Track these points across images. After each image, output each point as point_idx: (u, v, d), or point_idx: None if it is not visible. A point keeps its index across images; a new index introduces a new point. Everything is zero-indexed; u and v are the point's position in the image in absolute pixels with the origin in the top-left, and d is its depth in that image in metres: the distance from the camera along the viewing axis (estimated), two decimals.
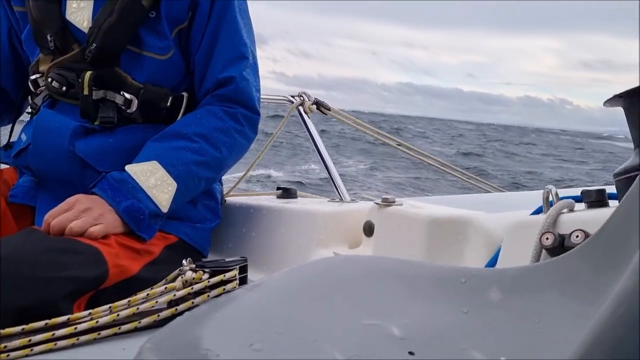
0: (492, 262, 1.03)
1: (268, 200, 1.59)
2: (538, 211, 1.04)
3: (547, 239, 0.87)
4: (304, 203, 1.55)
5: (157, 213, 1.20)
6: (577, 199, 1.02)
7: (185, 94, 1.36)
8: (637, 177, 0.73)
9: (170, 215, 1.26)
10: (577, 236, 0.84)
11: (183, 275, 1.07)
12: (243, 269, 1.15)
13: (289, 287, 0.83)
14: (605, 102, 0.94)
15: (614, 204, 1.00)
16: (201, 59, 1.34)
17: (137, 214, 1.16)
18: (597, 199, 0.99)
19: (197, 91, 1.38)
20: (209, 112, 1.32)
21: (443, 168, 1.99)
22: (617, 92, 0.92)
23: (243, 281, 1.15)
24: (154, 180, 1.19)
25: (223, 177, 1.47)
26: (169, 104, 1.33)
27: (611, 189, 1.00)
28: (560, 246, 0.86)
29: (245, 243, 1.49)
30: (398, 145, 1.80)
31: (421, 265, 0.95)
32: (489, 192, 1.82)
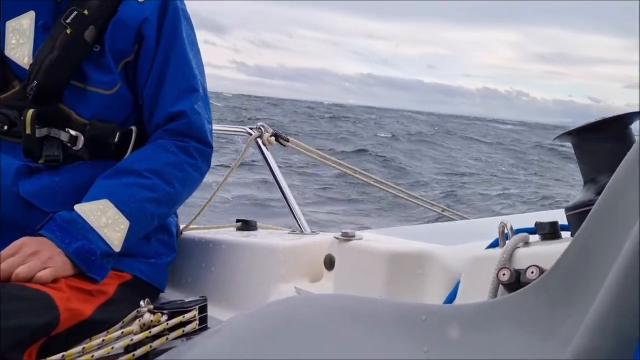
0: (452, 296, 1.04)
1: (227, 233, 1.57)
2: (495, 244, 1.06)
3: (503, 274, 0.89)
4: (264, 236, 1.54)
5: (109, 253, 1.17)
6: (531, 231, 1.05)
7: (133, 129, 1.33)
8: (588, 215, 0.75)
9: (123, 252, 1.22)
10: (532, 272, 0.86)
11: (141, 318, 1.05)
12: (202, 309, 1.13)
13: (249, 333, 0.82)
14: (555, 138, 0.97)
15: (566, 235, 1.03)
16: (150, 93, 1.32)
17: (88, 255, 1.12)
18: (550, 232, 1.02)
19: (147, 125, 1.35)
20: (160, 147, 1.30)
21: (407, 198, 2.01)
22: (566, 130, 0.95)
23: (203, 321, 1.14)
24: (105, 219, 1.16)
25: (180, 209, 1.44)
26: (116, 139, 1.30)
27: (563, 220, 1.03)
28: (516, 281, 0.88)
29: (205, 278, 1.47)
30: (361, 175, 1.81)
31: (381, 302, 0.95)
32: (453, 219, 1.84)
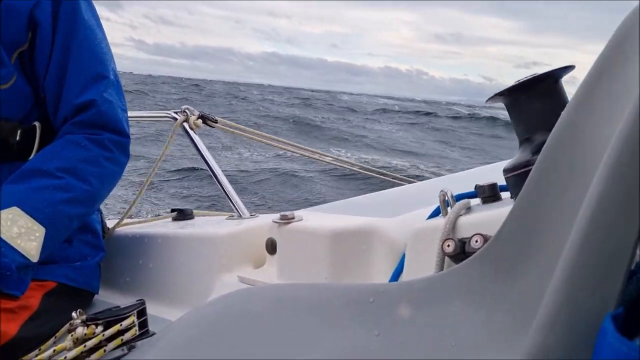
0: (399, 271, 1.01)
1: (163, 225, 1.50)
2: (436, 212, 1.04)
3: (448, 246, 0.87)
4: (202, 224, 1.48)
5: (27, 264, 1.07)
6: (472, 195, 1.03)
7: (37, 125, 1.22)
8: (527, 178, 0.73)
9: (44, 260, 1.12)
10: (477, 241, 0.84)
11: (74, 332, 0.97)
12: (141, 313, 1.06)
13: (193, 336, 0.77)
14: (488, 100, 0.95)
15: (506, 195, 1.02)
16: (52, 84, 1.20)
17: (2, 270, 1.02)
18: (490, 194, 1.00)
19: (53, 120, 1.24)
20: (70, 142, 1.18)
21: (341, 165, 1.98)
22: (498, 91, 0.92)
23: (143, 325, 1.07)
24: (17, 229, 1.05)
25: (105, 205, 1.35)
26: (18, 137, 1.18)
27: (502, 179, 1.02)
28: (462, 252, 0.86)
29: (143, 276, 1.39)
30: (297, 149, 1.76)
31: (327, 288, 0.92)
32: (397, 183, 1.82)
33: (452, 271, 0.83)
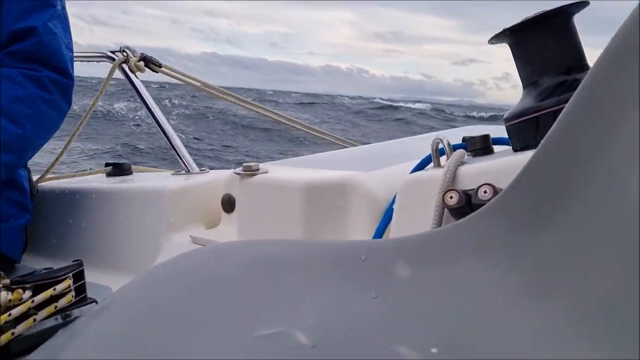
0: (382, 229, 0.90)
1: (96, 180, 1.31)
2: (424, 164, 0.94)
3: (451, 197, 0.76)
4: (143, 180, 1.30)
5: None
6: (461, 147, 0.94)
7: None
8: (554, 124, 0.64)
9: None
10: (486, 192, 0.74)
11: None
12: (78, 276, 0.90)
13: (148, 304, 0.62)
14: (491, 39, 0.85)
15: (498, 149, 0.93)
16: None
17: None
18: (482, 147, 0.91)
19: None
20: (3, 77, 1.00)
21: (291, 125, 1.84)
22: (504, 28, 0.83)
23: (80, 291, 0.90)
24: None
25: (32, 161, 1.16)
26: None
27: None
28: (467, 204, 0.76)
29: (75, 237, 1.21)
30: (249, 104, 1.61)
31: (311, 244, 0.80)
32: (344, 146, 1.71)
33: (457, 225, 0.73)
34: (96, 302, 0.91)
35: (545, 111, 0.77)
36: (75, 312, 0.87)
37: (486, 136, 0.92)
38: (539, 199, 0.64)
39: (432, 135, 1.75)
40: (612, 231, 0.55)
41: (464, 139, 0.96)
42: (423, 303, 0.65)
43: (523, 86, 0.83)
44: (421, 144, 1.43)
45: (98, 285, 1.07)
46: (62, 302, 0.85)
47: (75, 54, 1.24)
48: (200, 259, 0.70)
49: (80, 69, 1.23)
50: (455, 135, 1.61)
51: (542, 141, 0.64)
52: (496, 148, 0.94)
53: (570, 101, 0.61)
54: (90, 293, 0.96)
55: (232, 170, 1.24)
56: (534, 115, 0.78)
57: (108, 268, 1.13)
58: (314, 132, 1.76)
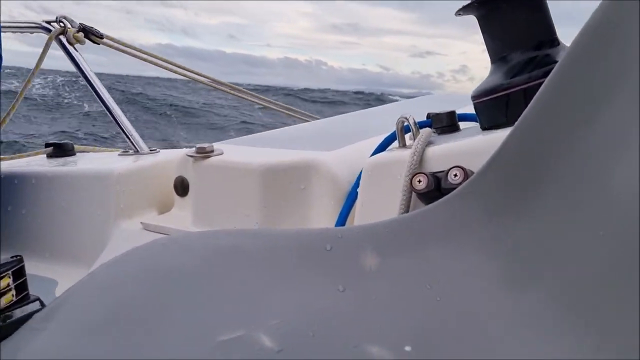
0: (345, 214, 0.86)
1: (37, 163, 1.21)
2: (386, 143, 0.90)
3: (419, 181, 0.73)
4: (88, 161, 1.21)
5: None
6: (426, 124, 0.90)
7: None
8: (530, 105, 0.60)
9: None
10: (456, 175, 0.70)
11: None
12: (19, 273, 0.82)
13: (100, 309, 0.56)
14: (459, 10, 0.80)
15: (464, 125, 0.90)
16: None
17: None
18: (448, 124, 0.87)
19: None
20: None
21: (238, 94, 1.77)
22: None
23: (21, 289, 0.83)
24: None
25: None
26: None
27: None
28: (436, 189, 0.72)
29: (15, 226, 1.12)
30: (196, 75, 1.52)
31: (273, 235, 0.74)
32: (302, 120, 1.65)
33: (427, 211, 0.69)
34: (40, 301, 0.84)
35: (516, 89, 0.73)
36: (17, 312, 0.80)
37: (452, 113, 0.88)
38: (513, 183, 0.61)
39: (393, 107, 1.72)
40: (590, 218, 0.52)
41: (428, 116, 0.92)
42: (394, 296, 0.61)
43: (491, 61, 0.79)
44: (384, 118, 1.39)
45: (42, 278, 1.00)
46: (2, 303, 0.78)
47: (3, 25, 1.12)
48: (155, 253, 0.64)
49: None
50: (417, 107, 1.58)
51: (515, 123, 0.60)
52: (462, 125, 0.90)
53: (546, 82, 0.58)
54: (33, 287, 0.89)
55: (184, 150, 1.17)
56: (504, 92, 0.75)
57: (52, 258, 1.05)
58: (273, 107, 1.69)
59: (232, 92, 1.76)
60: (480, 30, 0.81)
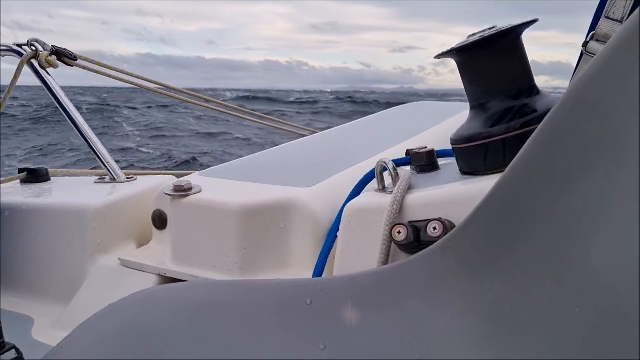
0: (325, 254, 0.86)
1: (11, 191, 1.18)
2: (365, 182, 0.89)
3: (399, 232, 0.73)
4: (63, 189, 1.19)
5: None
6: (405, 162, 0.90)
7: None
8: (513, 162, 0.60)
9: None
10: (435, 228, 0.70)
11: None
12: None
13: None
14: (438, 55, 0.80)
15: (443, 162, 0.90)
16: None
17: None
18: (428, 163, 0.88)
19: None
20: None
21: (229, 112, 1.75)
22: (452, 47, 0.78)
23: None
24: None
25: None
26: None
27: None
28: (415, 240, 0.72)
29: None
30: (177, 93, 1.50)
31: (251, 286, 0.74)
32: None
33: (407, 264, 0.69)
34: (16, 349, 0.83)
35: (495, 139, 0.73)
36: None
37: (431, 152, 0.88)
38: (493, 241, 0.62)
39: (376, 119, 1.70)
40: (567, 292, 0.53)
41: (407, 153, 0.92)
42: (374, 355, 0.62)
43: (470, 106, 0.79)
44: (367, 136, 1.38)
45: (18, 315, 0.98)
46: None
47: None
48: (133, 312, 0.64)
49: None
50: (400, 118, 1.57)
51: (498, 180, 0.61)
52: (442, 161, 0.91)
53: (530, 140, 0.58)
54: (8, 324, 0.88)
55: (163, 179, 1.15)
56: (482, 142, 0.75)
57: (29, 295, 1.03)
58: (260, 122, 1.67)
59: (207, 105, 1.74)
60: (458, 73, 0.81)
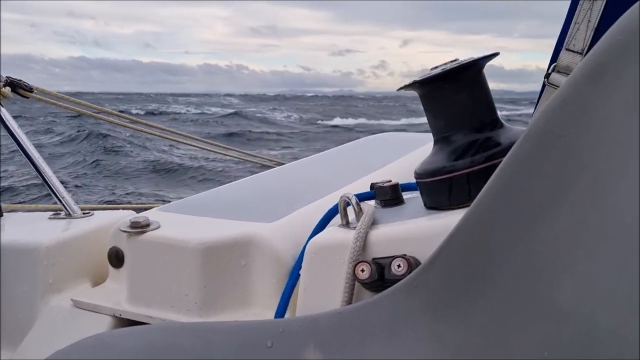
0: (288, 293, 0.83)
1: None
2: (327, 218, 0.87)
3: (362, 270, 0.70)
4: (15, 225, 1.13)
5: None
6: (369, 196, 0.88)
7: None
8: (475, 201, 0.59)
9: None
10: (399, 266, 0.68)
11: None
12: None
13: None
14: (400, 88, 0.79)
15: (408, 196, 0.88)
16: None
17: None
18: (392, 197, 0.86)
19: None
20: None
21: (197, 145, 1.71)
22: (414, 79, 0.77)
23: None
24: None
25: None
26: None
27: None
28: (379, 278, 0.70)
29: None
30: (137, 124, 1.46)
31: (211, 329, 0.71)
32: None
33: (370, 304, 0.67)
34: None
35: (459, 173, 0.72)
36: None
37: (395, 186, 0.87)
38: (457, 280, 0.60)
39: (342, 151, 1.69)
40: (533, 335, 0.51)
41: (372, 186, 0.90)
42: None
43: (434, 140, 0.78)
44: (332, 167, 1.37)
45: None
46: None
47: None
48: (88, 355, 0.60)
49: None
50: (364, 150, 1.56)
51: (462, 218, 0.59)
52: (407, 195, 0.89)
53: (493, 176, 0.56)
54: None
55: (119, 215, 1.11)
56: (447, 176, 0.73)
57: None
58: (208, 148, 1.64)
59: (166, 136, 1.71)
60: (422, 106, 0.80)
